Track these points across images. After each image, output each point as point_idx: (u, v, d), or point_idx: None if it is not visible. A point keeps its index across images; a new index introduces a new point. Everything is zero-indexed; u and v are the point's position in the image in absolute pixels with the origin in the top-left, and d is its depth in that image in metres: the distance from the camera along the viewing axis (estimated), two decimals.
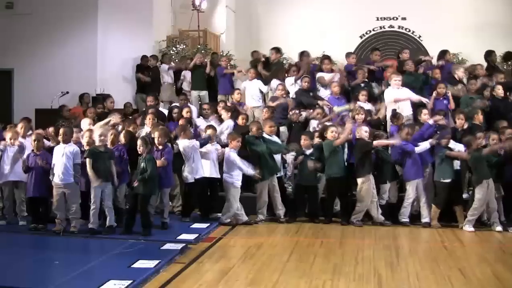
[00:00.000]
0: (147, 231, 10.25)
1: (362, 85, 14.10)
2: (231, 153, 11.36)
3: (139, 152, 10.42)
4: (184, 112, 13.37)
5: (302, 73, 14.67)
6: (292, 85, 14.71)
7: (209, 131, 11.77)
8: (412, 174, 11.44)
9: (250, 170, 11.29)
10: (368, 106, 13.29)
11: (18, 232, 10.76)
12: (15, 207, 11.28)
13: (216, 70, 15.95)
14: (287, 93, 14.28)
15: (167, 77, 16.58)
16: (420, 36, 19.16)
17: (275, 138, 12.13)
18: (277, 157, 11.92)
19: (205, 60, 16.37)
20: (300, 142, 11.97)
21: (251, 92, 14.81)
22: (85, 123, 12.25)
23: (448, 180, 11.13)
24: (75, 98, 15.81)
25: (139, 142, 10.51)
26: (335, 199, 11.74)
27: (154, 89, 16.03)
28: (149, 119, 12.60)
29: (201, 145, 11.57)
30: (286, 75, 15.34)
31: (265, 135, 11.90)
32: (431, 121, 11.76)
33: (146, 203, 10.46)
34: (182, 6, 19.18)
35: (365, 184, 11.25)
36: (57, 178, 10.39)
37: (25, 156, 10.92)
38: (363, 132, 11.44)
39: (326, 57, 15.33)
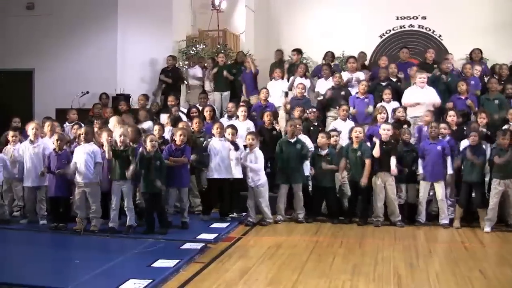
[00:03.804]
0: (165, 230, 10.36)
1: (384, 84, 14.04)
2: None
3: (149, 150, 10.43)
4: (206, 111, 13.41)
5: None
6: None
7: (229, 130, 11.77)
8: (426, 174, 11.41)
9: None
10: (392, 105, 13.20)
11: (39, 231, 10.84)
12: (36, 206, 11.37)
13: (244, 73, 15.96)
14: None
15: (193, 80, 16.56)
16: (440, 36, 19.04)
17: (305, 138, 12.14)
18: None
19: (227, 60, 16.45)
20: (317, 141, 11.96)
21: (276, 92, 14.78)
22: (112, 122, 12.30)
23: (473, 180, 11.06)
24: (95, 98, 15.90)
25: (151, 138, 10.58)
26: (356, 200, 11.69)
27: (174, 89, 16.03)
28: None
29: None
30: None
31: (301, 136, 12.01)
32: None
33: (162, 201, 10.65)
34: (202, 6, 19.20)
35: (375, 182, 11.31)
36: (78, 177, 10.46)
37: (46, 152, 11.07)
38: (382, 130, 11.43)
39: (351, 56, 15.31)
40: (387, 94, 13.36)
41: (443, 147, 11.32)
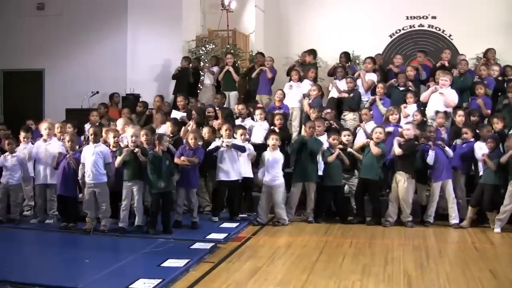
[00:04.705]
0: (170, 231, 10.44)
1: (402, 89, 14.07)
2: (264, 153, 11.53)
3: (158, 149, 10.48)
4: (219, 113, 13.41)
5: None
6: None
7: (239, 131, 11.80)
8: (436, 175, 11.35)
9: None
10: (411, 108, 13.17)
11: (49, 230, 10.88)
12: (47, 205, 11.42)
13: (266, 71, 15.88)
14: (322, 94, 14.32)
15: (207, 79, 16.55)
16: (450, 35, 18.97)
17: (323, 137, 12.13)
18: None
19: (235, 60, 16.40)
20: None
21: (295, 93, 14.79)
22: (119, 123, 12.30)
23: (486, 183, 11.01)
24: (105, 98, 15.93)
25: (164, 139, 10.67)
26: (363, 200, 11.69)
27: (183, 89, 16.00)
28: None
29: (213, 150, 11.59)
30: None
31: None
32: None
33: (171, 201, 10.73)
34: (211, 6, 19.20)
35: (392, 182, 11.31)
36: (87, 178, 10.48)
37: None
38: (406, 130, 11.37)
39: (369, 57, 15.27)
40: (409, 98, 13.34)
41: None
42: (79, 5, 17.15)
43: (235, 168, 11.56)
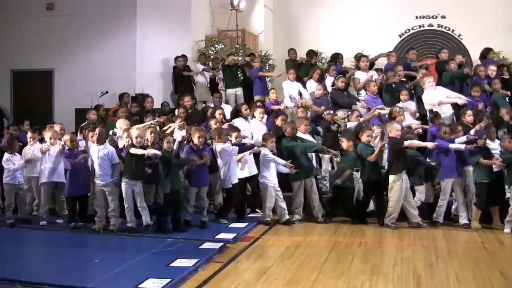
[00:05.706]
0: (185, 228, 10.55)
1: (394, 86, 14.07)
2: (265, 151, 11.38)
3: (166, 149, 10.53)
4: (217, 114, 13.25)
5: (350, 74, 14.94)
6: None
7: (234, 134, 11.74)
8: (446, 172, 11.24)
9: (284, 167, 11.32)
10: (412, 105, 13.21)
11: (58, 230, 10.93)
12: (55, 207, 11.51)
13: (251, 72, 15.90)
14: (327, 93, 14.29)
15: (200, 77, 16.53)
16: (460, 35, 18.93)
17: (309, 137, 12.08)
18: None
19: (240, 59, 16.33)
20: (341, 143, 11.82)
21: (291, 92, 14.76)
22: (122, 123, 12.29)
23: (486, 181, 10.96)
24: (115, 97, 15.96)
25: (168, 140, 10.69)
26: (369, 201, 11.61)
27: (187, 88, 16.02)
28: (179, 119, 12.84)
29: (242, 151, 11.55)
30: (326, 75, 15.29)
31: (299, 134, 11.86)
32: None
33: (181, 200, 10.84)
34: (221, 6, 19.21)
35: (396, 183, 10.96)
36: (96, 178, 10.57)
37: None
38: (395, 130, 11.18)
39: (362, 55, 15.30)
40: (404, 94, 13.37)
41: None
42: (88, 5, 17.21)
43: (252, 164, 11.68)
